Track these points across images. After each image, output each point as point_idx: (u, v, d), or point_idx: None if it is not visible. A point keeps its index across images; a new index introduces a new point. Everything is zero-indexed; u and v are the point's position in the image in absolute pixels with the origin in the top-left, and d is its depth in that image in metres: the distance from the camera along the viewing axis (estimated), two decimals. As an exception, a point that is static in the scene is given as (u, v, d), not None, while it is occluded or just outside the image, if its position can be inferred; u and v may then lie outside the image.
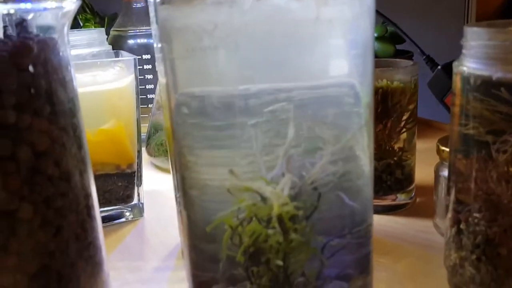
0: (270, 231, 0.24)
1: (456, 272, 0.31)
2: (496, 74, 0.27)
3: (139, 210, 0.48)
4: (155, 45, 0.38)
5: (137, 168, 0.47)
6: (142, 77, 0.65)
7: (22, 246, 0.22)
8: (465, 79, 0.28)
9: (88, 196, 0.26)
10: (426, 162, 0.48)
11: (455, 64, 0.29)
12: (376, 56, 0.54)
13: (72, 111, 0.25)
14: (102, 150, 0.44)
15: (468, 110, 0.29)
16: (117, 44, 0.64)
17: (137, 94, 0.44)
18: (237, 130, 0.24)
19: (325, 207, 0.25)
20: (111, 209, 0.47)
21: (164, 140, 0.59)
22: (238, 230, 0.25)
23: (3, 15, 0.22)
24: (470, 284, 0.30)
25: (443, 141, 0.38)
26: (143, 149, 0.57)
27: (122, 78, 0.44)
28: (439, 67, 0.38)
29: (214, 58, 0.23)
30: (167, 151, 0.59)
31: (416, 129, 0.44)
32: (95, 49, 0.55)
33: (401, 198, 0.44)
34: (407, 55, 0.56)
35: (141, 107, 0.47)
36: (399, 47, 0.58)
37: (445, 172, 0.38)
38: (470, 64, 0.28)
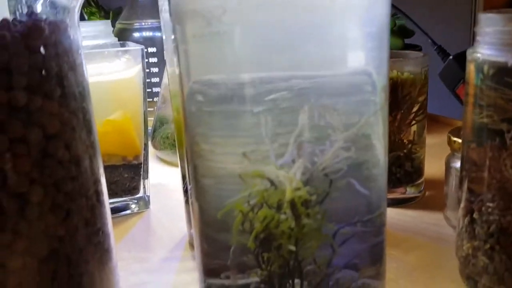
0: (282, 216, 0.24)
1: (469, 262, 0.30)
2: (512, 60, 0.26)
3: (145, 202, 0.47)
4: (163, 37, 0.38)
5: (144, 161, 0.47)
6: (148, 70, 0.64)
7: (32, 229, 0.22)
8: (479, 66, 0.28)
9: (97, 181, 0.26)
10: (434, 157, 0.48)
11: (469, 51, 0.29)
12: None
13: (82, 95, 0.25)
14: (109, 141, 0.43)
15: (482, 98, 0.29)
16: (122, 37, 0.64)
17: (144, 85, 0.44)
18: (249, 116, 0.24)
19: (337, 194, 0.25)
20: (117, 201, 0.46)
21: (170, 133, 0.59)
22: (249, 216, 0.25)
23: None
24: (483, 274, 0.29)
25: (455, 132, 0.38)
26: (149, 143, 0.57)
27: (129, 69, 0.43)
28: (450, 57, 0.37)
29: (224, 44, 0.23)
30: (172, 145, 0.59)
31: (426, 122, 0.43)
32: (101, 41, 0.55)
33: (410, 191, 0.44)
34: (415, 49, 0.56)
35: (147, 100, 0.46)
36: (407, 41, 0.57)
37: (456, 164, 0.38)
38: (485, 51, 0.28)
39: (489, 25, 0.28)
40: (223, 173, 0.25)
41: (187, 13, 0.24)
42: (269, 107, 0.23)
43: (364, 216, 0.26)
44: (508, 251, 0.28)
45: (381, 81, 0.24)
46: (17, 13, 0.22)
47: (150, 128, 0.60)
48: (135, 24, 0.64)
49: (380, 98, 0.24)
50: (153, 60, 0.64)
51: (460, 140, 0.36)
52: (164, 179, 0.55)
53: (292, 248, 0.24)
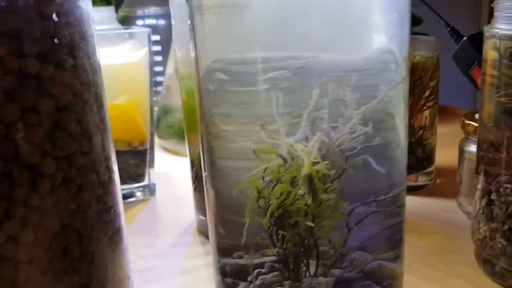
0: (299, 192, 0.23)
1: (486, 245, 0.30)
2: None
3: (150, 190, 0.47)
4: (173, 22, 0.37)
5: (150, 150, 0.46)
6: (151, 59, 0.63)
7: (44, 203, 0.21)
8: (497, 43, 0.27)
9: (108, 158, 0.25)
10: (443, 145, 0.47)
11: (486, 28, 0.28)
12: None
13: (93, 68, 0.24)
14: (114, 126, 0.42)
15: (499, 77, 0.28)
16: (125, 25, 0.63)
17: (150, 69, 0.43)
18: (266, 94, 0.23)
19: (352, 172, 0.24)
20: (122, 188, 0.45)
21: (174, 122, 0.58)
22: (264, 193, 0.24)
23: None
24: (501, 256, 0.29)
25: (468, 116, 0.37)
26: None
27: (135, 52, 0.43)
28: (464, 38, 0.37)
29: (243, 18, 0.22)
30: (177, 134, 0.58)
31: (438, 107, 0.43)
32: (104, 27, 0.54)
33: (421, 179, 0.44)
34: (423, 37, 0.55)
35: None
36: (415, 29, 0.57)
37: (470, 148, 0.37)
38: (503, 26, 0.27)
39: None
40: (240, 153, 0.24)
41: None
42: (289, 85, 0.23)
43: (379, 196, 0.26)
44: (528, 232, 0.27)
45: (402, 56, 0.23)
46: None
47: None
48: (138, 12, 0.63)
49: (400, 74, 0.23)
50: (157, 48, 0.64)
51: (474, 123, 0.36)
52: (168, 167, 0.55)
53: (311, 224, 0.23)
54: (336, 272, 0.25)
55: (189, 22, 0.24)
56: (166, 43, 0.60)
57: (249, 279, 0.25)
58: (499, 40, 0.27)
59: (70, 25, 0.22)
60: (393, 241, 0.27)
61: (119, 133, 0.44)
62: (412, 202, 0.41)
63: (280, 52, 0.23)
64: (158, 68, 0.65)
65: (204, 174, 0.27)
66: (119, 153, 0.44)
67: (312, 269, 0.25)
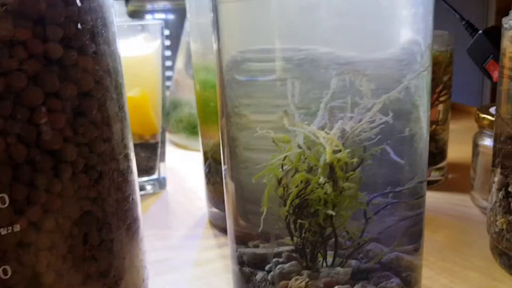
0: (320, 180, 0.23)
1: (503, 237, 0.30)
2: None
3: (160, 183, 0.47)
4: (188, 15, 0.37)
5: (161, 144, 0.46)
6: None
7: (65, 189, 0.21)
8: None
9: (126, 146, 0.25)
10: (454, 141, 0.47)
11: (504, 20, 0.28)
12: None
13: (113, 55, 0.24)
14: (126, 119, 0.42)
15: (518, 69, 0.28)
16: (134, 19, 0.63)
17: (163, 61, 0.43)
18: (288, 83, 0.23)
19: (371, 161, 0.24)
20: (133, 181, 0.45)
21: (183, 117, 0.58)
22: (283, 181, 0.24)
23: None
24: (519, 249, 0.29)
25: (483, 110, 0.37)
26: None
27: (148, 45, 0.43)
28: (480, 32, 0.36)
29: (271, 10, 0.22)
30: (186, 128, 0.58)
31: (450, 103, 0.43)
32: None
33: (434, 174, 0.43)
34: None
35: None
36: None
37: (484, 141, 0.37)
38: (524, 18, 0.27)
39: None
40: (263, 143, 0.24)
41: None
42: (312, 76, 0.23)
43: (397, 187, 0.26)
44: (548, 224, 0.27)
45: (426, 45, 0.23)
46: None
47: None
48: (147, 6, 0.63)
49: (424, 63, 0.23)
50: (166, 43, 0.63)
51: (490, 117, 0.36)
52: (177, 162, 0.54)
53: (331, 212, 0.23)
54: (353, 262, 0.25)
55: (211, 14, 0.24)
56: (175, 37, 0.60)
57: (266, 268, 0.25)
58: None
59: (93, 11, 0.22)
60: (412, 233, 0.27)
61: (131, 125, 0.44)
62: (425, 197, 0.41)
63: (304, 43, 0.23)
64: (167, 63, 0.65)
65: (223, 167, 0.26)
66: (130, 146, 0.44)
67: (329, 259, 0.25)
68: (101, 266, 0.23)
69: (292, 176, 0.23)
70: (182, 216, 0.41)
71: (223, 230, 0.37)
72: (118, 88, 0.24)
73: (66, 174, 0.21)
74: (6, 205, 0.19)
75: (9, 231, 0.20)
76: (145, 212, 0.41)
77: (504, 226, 0.29)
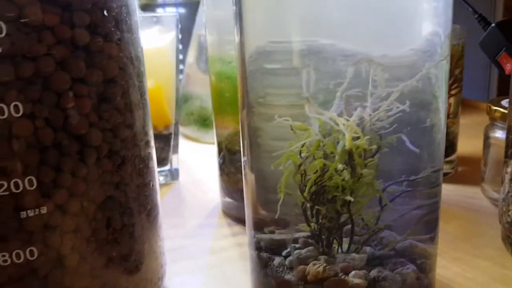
0: (339, 166, 0.23)
1: (515, 227, 0.30)
2: None
3: (173, 175, 0.47)
4: (204, 8, 0.37)
5: (174, 136, 0.46)
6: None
7: (90, 174, 0.21)
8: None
9: (147, 133, 0.26)
10: (463, 135, 0.48)
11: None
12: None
13: (136, 43, 0.24)
14: (140, 110, 0.43)
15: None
16: (146, 13, 0.63)
17: (177, 54, 0.43)
18: (305, 74, 0.23)
19: (387, 149, 0.25)
20: (146, 172, 0.46)
21: (194, 109, 0.59)
22: (301, 168, 0.24)
23: None
24: (531, 238, 0.29)
25: (494, 102, 0.37)
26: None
27: (162, 36, 0.43)
28: (492, 25, 0.37)
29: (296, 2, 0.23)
30: (197, 121, 0.59)
31: (461, 96, 0.43)
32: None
33: (444, 167, 0.44)
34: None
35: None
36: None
37: (495, 133, 0.37)
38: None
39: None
40: (285, 132, 0.24)
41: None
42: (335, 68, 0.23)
43: (411, 175, 0.26)
44: (561, 213, 0.27)
45: (445, 34, 0.23)
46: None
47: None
48: (159, 0, 0.63)
49: (443, 52, 0.23)
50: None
51: (501, 109, 0.36)
52: (188, 154, 0.55)
53: (350, 198, 0.24)
54: (367, 249, 0.26)
55: (234, 7, 0.24)
56: (186, 31, 0.60)
57: (283, 253, 0.26)
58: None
59: (117, -2, 0.22)
60: (427, 222, 0.27)
61: (144, 117, 0.44)
62: (436, 189, 0.41)
63: (329, 37, 0.23)
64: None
65: (243, 159, 0.27)
66: (143, 137, 0.45)
67: (344, 246, 0.25)
68: (122, 250, 0.24)
69: (310, 163, 0.24)
70: (195, 206, 0.41)
71: (237, 220, 0.38)
72: (140, 76, 0.25)
73: (91, 158, 0.21)
74: (33, 188, 0.20)
75: (36, 213, 0.20)
76: (159, 202, 0.42)
77: (517, 216, 0.30)
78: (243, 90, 0.25)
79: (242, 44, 0.24)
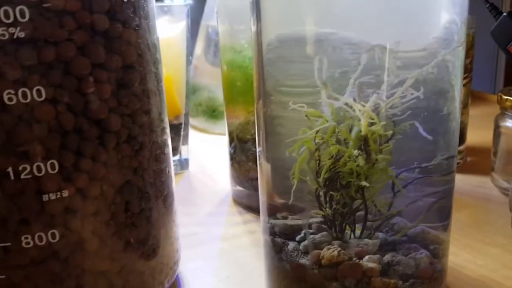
0: (355, 152, 0.23)
1: (526, 215, 0.30)
2: None
3: (182, 164, 0.47)
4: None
5: (184, 126, 0.47)
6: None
7: (110, 158, 0.22)
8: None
9: (163, 120, 0.26)
10: (470, 127, 0.48)
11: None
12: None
13: (152, 30, 0.25)
14: (150, 100, 0.43)
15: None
16: (154, 5, 0.63)
17: (187, 43, 0.44)
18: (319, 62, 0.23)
19: (399, 136, 0.25)
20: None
21: (202, 100, 0.59)
22: (315, 154, 0.24)
23: None
24: (542, 225, 0.29)
25: (505, 92, 0.37)
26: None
27: (172, 26, 0.43)
28: (504, 14, 0.37)
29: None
30: (205, 111, 0.59)
31: (471, 86, 0.43)
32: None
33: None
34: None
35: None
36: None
37: (506, 123, 0.37)
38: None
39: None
40: (301, 120, 0.25)
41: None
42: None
43: (423, 162, 0.26)
44: None
45: (462, 20, 0.24)
46: None
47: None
48: (167, -9, 0.63)
49: (459, 39, 0.24)
50: (185, 28, 0.64)
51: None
52: (197, 144, 0.55)
53: (365, 183, 0.24)
54: (380, 235, 0.26)
55: None
56: (194, 23, 0.60)
57: (297, 238, 0.26)
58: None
59: (135, -15, 0.23)
60: (439, 209, 0.27)
61: (155, 106, 0.45)
62: (445, 178, 0.42)
63: (347, 26, 0.23)
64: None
65: (258, 149, 0.27)
66: (154, 127, 0.45)
67: (357, 232, 0.26)
68: (140, 234, 0.24)
69: (325, 149, 0.24)
70: (206, 194, 0.42)
71: (247, 208, 0.38)
72: (156, 63, 0.25)
73: (110, 143, 0.22)
74: (55, 171, 0.20)
75: (58, 196, 0.20)
76: (170, 190, 0.42)
77: (528, 203, 0.30)
78: (260, 79, 0.25)
79: (259, 33, 0.24)
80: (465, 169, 0.44)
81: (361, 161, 0.24)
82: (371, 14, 0.23)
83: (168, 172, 0.26)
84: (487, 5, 0.37)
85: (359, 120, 0.23)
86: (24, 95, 0.19)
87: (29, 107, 0.19)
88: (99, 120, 0.21)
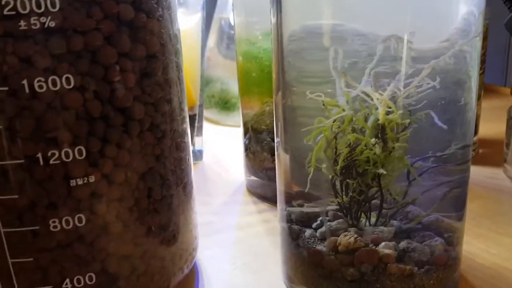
0: (372, 140, 0.24)
1: (539, 205, 0.30)
2: None
3: (196, 155, 0.48)
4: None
5: (198, 118, 0.47)
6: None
7: (134, 145, 0.22)
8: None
9: (183, 109, 0.27)
10: (483, 119, 0.48)
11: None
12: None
13: (174, 20, 0.25)
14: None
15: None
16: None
17: (202, 35, 0.44)
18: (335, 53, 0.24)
19: (415, 125, 0.25)
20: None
21: (215, 92, 0.60)
22: (332, 143, 0.25)
23: None
24: (556, 215, 0.29)
25: (519, 83, 0.37)
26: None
27: (188, 18, 0.44)
28: (519, 5, 0.37)
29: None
30: (217, 103, 0.60)
31: (484, 78, 0.43)
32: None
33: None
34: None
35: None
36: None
37: (519, 114, 0.38)
38: None
39: None
40: (318, 109, 0.25)
41: None
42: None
43: (438, 152, 0.26)
44: None
45: (479, 11, 0.24)
46: None
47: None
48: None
49: (476, 29, 0.24)
50: (198, 20, 0.64)
51: (526, 90, 0.36)
52: (210, 136, 0.56)
53: (382, 171, 0.24)
54: (394, 222, 0.26)
55: None
56: (208, 15, 0.61)
57: (313, 226, 0.26)
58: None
59: (158, -24, 0.23)
60: (454, 199, 0.28)
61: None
62: (457, 169, 0.42)
63: (366, 24, 0.24)
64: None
65: (276, 140, 0.28)
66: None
67: (372, 219, 0.26)
68: (162, 219, 0.25)
69: (341, 138, 0.25)
70: (220, 184, 0.42)
71: (262, 197, 0.39)
72: (177, 54, 0.26)
73: (134, 131, 0.22)
74: (82, 157, 0.21)
75: (85, 181, 0.21)
76: (185, 180, 0.43)
77: (541, 193, 0.30)
78: (279, 71, 0.26)
79: (279, 25, 0.25)
80: (477, 160, 0.44)
81: (378, 149, 0.24)
82: (392, 5, 0.23)
83: (188, 160, 0.27)
84: (502, -3, 0.37)
85: (376, 109, 0.24)
86: (54, 83, 0.20)
87: (58, 94, 0.20)
88: (124, 108, 0.22)
